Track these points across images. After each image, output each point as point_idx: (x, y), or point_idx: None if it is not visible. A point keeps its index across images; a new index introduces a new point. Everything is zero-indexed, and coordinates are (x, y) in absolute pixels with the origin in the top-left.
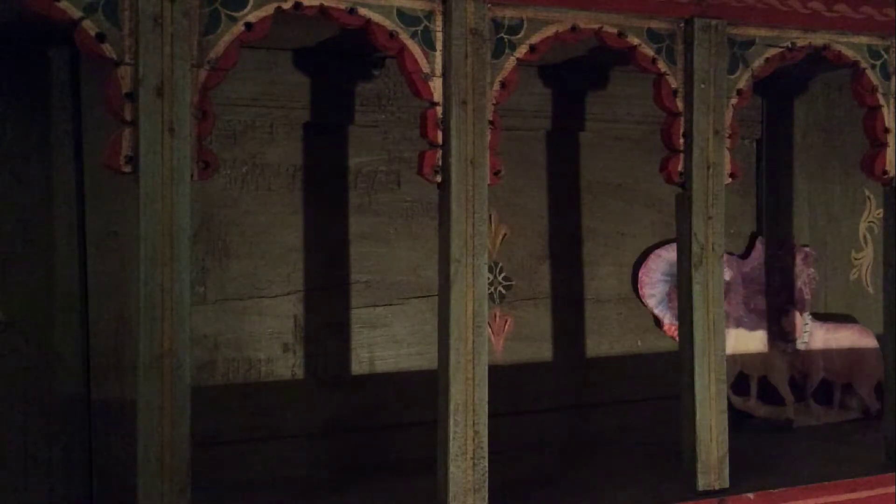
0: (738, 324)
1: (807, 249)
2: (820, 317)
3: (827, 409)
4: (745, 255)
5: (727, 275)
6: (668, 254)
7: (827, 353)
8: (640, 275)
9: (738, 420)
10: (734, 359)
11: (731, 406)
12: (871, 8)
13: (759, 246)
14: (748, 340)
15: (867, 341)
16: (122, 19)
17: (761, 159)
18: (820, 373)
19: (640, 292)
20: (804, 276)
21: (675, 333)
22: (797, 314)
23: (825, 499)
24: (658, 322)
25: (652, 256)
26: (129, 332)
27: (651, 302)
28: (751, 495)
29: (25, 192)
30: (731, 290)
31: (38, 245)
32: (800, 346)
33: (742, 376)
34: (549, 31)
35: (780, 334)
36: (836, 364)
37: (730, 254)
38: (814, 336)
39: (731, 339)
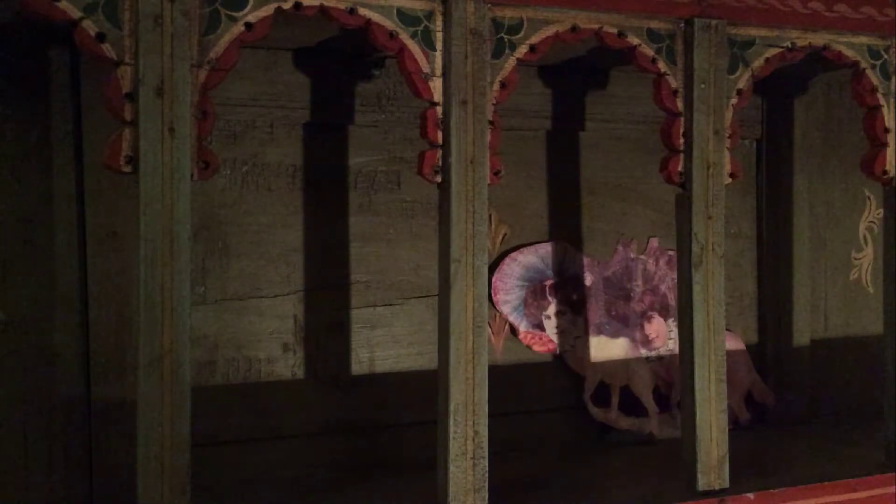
0: (599, 331)
1: (671, 253)
2: None
3: None
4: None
5: (587, 279)
6: (525, 257)
7: None
8: (493, 280)
9: (598, 433)
10: (595, 368)
11: (591, 419)
12: (871, 8)
13: (621, 249)
14: (610, 348)
15: (736, 347)
16: (122, 19)
17: (761, 159)
18: None
19: (494, 298)
20: (668, 279)
21: (532, 343)
22: (661, 320)
23: (825, 499)
24: (514, 330)
25: (507, 260)
26: (129, 332)
27: (505, 309)
28: (751, 495)
29: (25, 192)
30: (592, 295)
31: (38, 245)
32: (664, 353)
33: (603, 386)
34: (549, 31)
35: (644, 341)
36: None
37: (590, 257)
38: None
39: (591, 347)
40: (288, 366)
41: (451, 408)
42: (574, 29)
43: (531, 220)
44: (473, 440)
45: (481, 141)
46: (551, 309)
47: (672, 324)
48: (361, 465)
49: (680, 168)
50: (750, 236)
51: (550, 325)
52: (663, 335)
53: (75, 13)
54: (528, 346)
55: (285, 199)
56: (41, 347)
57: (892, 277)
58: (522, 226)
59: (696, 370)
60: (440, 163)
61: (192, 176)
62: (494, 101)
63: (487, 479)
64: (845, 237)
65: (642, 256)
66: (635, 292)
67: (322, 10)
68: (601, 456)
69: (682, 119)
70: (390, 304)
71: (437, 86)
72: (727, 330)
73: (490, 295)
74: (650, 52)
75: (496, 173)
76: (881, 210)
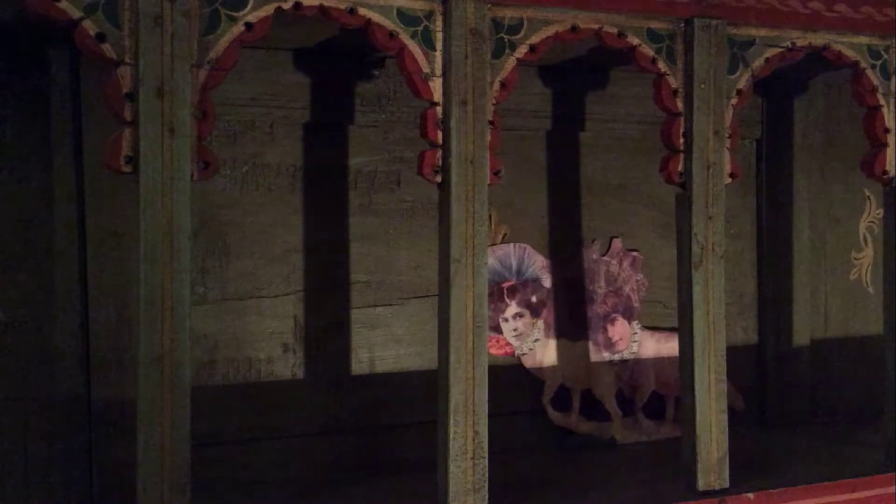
0: (560, 334)
1: (634, 254)
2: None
3: (658, 423)
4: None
5: (547, 282)
6: None
7: (659, 364)
8: None
9: (557, 437)
10: (555, 371)
11: (550, 423)
12: (871, 8)
13: (584, 250)
14: (571, 351)
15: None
16: (122, 19)
17: (761, 159)
18: (651, 385)
19: None
20: (632, 281)
21: (490, 346)
22: (625, 322)
23: (825, 499)
24: None
25: None
26: (129, 332)
27: None
28: (751, 495)
29: (25, 192)
30: (552, 297)
31: (38, 245)
32: (628, 356)
33: (564, 390)
34: (549, 31)
35: (607, 344)
36: (669, 375)
37: (552, 258)
38: (644, 346)
39: (551, 350)
40: (288, 366)
41: (451, 408)
42: (574, 29)
43: (531, 220)
44: (473, 440)
45: (481, 141)
46: (509, 311)
47: (636, 326)
48: (361, 465)
49: (680, 168)
50: (750, 236)
51: (508, 328)
52: (627, 338)
53: (75, 13)
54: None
55: (285, 199)
56: (41, 347)
57: (892, 277)
58: (522, 226)
59: (696, 370)
60: (440, 163)
61: (192, 176)
62: (494, 101)
63: (487, 479)
64: (845, 237)
65: (605, 258)
66: (598, 294)
67: (322, 10)
68: (601, 456)
69: (682, 119)
70: (390, 304)
71: (437, 86)
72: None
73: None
74: (650, 52)
75: (496, 173)
76: (881, 210)
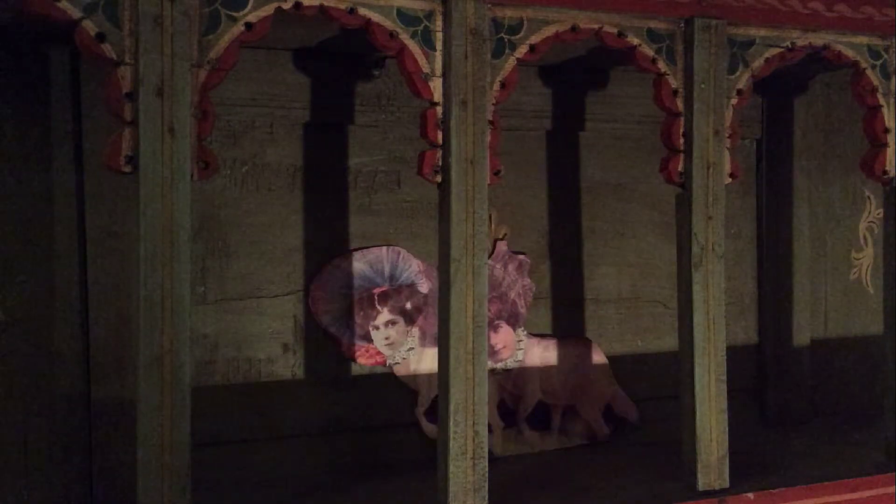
0: (437, 341)
1: (521, 257)
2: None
3: (544, 434)
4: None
5: (424, 286)
6: (348, 264)
7: (545, 373)
8: (312, 289)
9: (432, 451)
10: (430, 381)
11: (425, 436)
12: (871, 8)
13: None
14: None
15: (592, 358)
16: (122, 19)
17: (761, 159)
18: (536, 395)
19: (313, 309)
20: (518, 286)
21: (358, 355)
22: (510, 329)
23: (825, 499)
24: (336, 343)
25: (328, 268)
26: (129, 332)
27: (325, 319)
28: (751, 495)
29: (25, 192)
30: (429, 303)
31: (38, 245)
32: (512, 364)
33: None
34: (549, 31)
35: (489, 352)
36: (556, 384)
37: (428, 262)
38: (529, 353)
39: (426, 359)
40: (288, 366)
41: (451, 408)
42: (574, 29)
43: (531, 220)
44: (473, 440)
45: (481, 141)
46: (380, 319)
47: (522, 333)
48: (361, 465)
49: (680, 168)
50: (750, 236)
51: (379, 337)
52: (511, 346)
53: (75, 13)
54: (353, 359)
55: (285, 199)
56: (41, 347)
57: (892, 277)
58: (522, 226)
59: (696, 370)
60: (440, 163)
61: (192, 176)
62: (494, 101)
63: (487, 479)
64: (845, 237)
65: (489, 262)
66: None
67: (322, 10)
68: (601, 456)
69: (682, 119)
70: None
71: (437, 86)
72: (585, 339)
73: (308, 305)
74: (650, 52)
75: (496, 173)
76: (881, 210)
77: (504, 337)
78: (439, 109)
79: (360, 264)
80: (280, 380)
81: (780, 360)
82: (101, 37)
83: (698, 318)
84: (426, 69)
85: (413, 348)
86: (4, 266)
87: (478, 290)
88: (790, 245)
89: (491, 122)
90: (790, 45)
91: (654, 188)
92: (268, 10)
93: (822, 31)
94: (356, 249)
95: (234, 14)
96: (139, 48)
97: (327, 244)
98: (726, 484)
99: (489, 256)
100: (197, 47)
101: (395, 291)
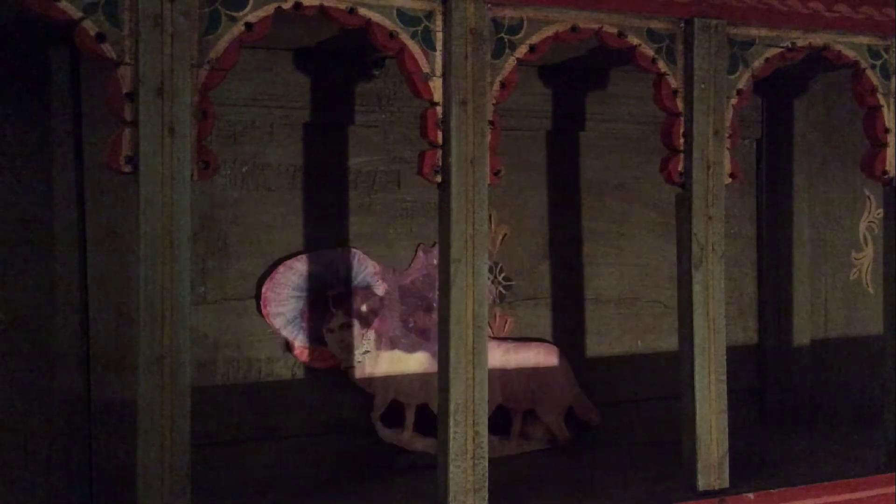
0: (394, 345)
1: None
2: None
3: (503, 439)
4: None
5: (380, 289)
6: (303, 265)
7: (505, 377)
8: (263, 290)
9: (388, 456)
10: (387, 385)
11: (380, 441)
12: (871, 8)
13: (422, 255)
14: (405, 363)
15: (554, 361)
16: (122, 19)
17: (761, 159)
18: (496, 399)
19: (264, 311)
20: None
21: (311, 359)
22: None
23: (825, 499)
24: (288, 346)
25: (280, 268)
26: (129, 332)
27: (277, 322)
28: (751, 495)
29: (25, 192)
30: (386, 306)
31: (38, 245)
32: None
33: (396, 405)
34: (549, 31)
35: None
36: (516, 388)
37: (385, 264)
38: (490, 357)
39: (384, 362)
40: (288, 366)
41: (451, 408)
42: (574, 29)
43: (531, 220)
44: (473, 440)
45: (481, 141)
46: (335, 321)
47: None
48: (361, 465)
49: (680, 168)
50: (750, 236)
51: (333, 340)
52: None
53: (75, 13)
54: (306, 363)
55: (285, 199)
56: (41, 347)
57: (892, 277)
58: (522, 226)
59: (696, 370)
60: (440, 163)
61: (192, 176)
62: (494, 101)
63: (487, 479)
64: (845, 237)
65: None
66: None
67: (322, 10)
68: (601, 456)
69: (682, 119)
70: None
71: (437, 86)
72: (545, 342)
73: (260, 307)
74: (650, 52)
75: (496, 173)
76: (881, 210)
77: None
78: (439, 109)
79: (314, 266)
80: (280, 380)
81: (780, 360)
82: (101, 37)
83: (698, 318)
84: (426, 69)
85: (368, 351)
86: (4, 266)
87: (478, 290)
88: (790, 245)
89: (491, 122)
90: (790, 45)
91: (654, 188)
92: (268, 10)
93: (822, 31)
94: (311, 251)
95: (234, 14)
96: (139, 48)
97: (327, 244)
98: (726, 484)
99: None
100: (197, 47)
101: (351, 293)
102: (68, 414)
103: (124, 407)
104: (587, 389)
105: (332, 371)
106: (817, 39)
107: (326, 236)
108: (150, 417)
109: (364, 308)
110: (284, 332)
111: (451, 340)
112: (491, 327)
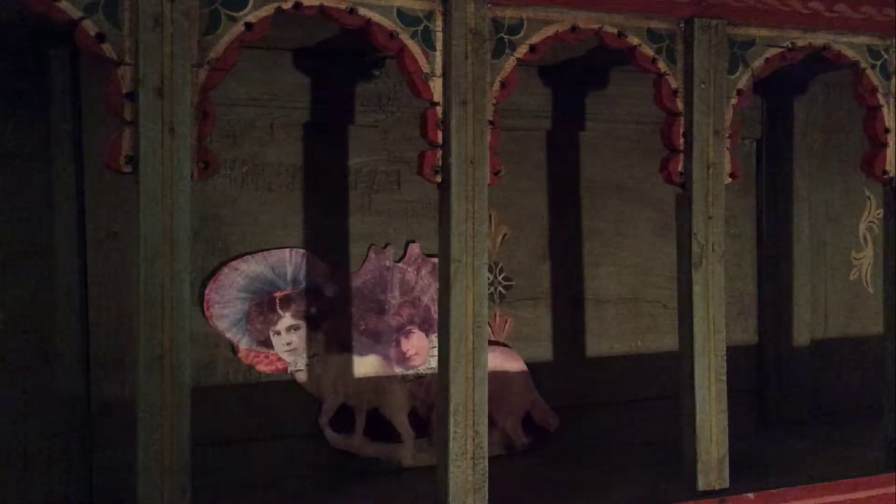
0: (344, 348)
1: (435, 260)
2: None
3: None
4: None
5: (329, 291)
6: (249, 266)
7: None
8: (206, 293)
9: (338, 462)
10: (335, 389)
11: (328, 446)
12: (871, 8)
13: (373, 256)
14: (356, 366)
15: (512, 366)
16: (122, 19)
17: (761, 159)
18: None
19: (207, 313)
20: (432, 290)
21: (256, 362)
22: (422, 335)
23: (825, 499)
24: (233, 349)
25: (225, 269)
26: (129, 331)
27: (222, 324)
28: (751, 495)
29: (25, 192)
30: (336, 308)
31: (38, 245)
32: (425, 371)
33: (346, 409)
34: (549, 31)
35: (400, 359)
36: None
37: (335, 264)
38: None
39: (331, 366)
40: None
41: (451, 408)
42: (574, 29)
43: (531, 220)
44: (473, 440)
45: (481, 141)
46: (282, 324)
47: (435, 339)
48: (361, 464)
49: (680, 168)
50: (750, 236)
51: (280, 342)
52: (424, 352)
53: (75, 13)
54: (251, 366)
55: (285, 199)
56: (41, 347)
57: (892, 277)
58: (522, 226)
59: (696, 370)
60: (440, 163)
61: (192, 176)
62: (494, 101)
63: (487, 479)
64: (845, 237)
65: (400, 264)
66: (391, 305)
67: (322, 10)
68: (601, 456)
69: (682, 119)
70: None
71: (437, 86)
72: (504, 346)
73: (203, 309)
74: (650, 52)
75: (496, 173)
76: (881, 210)
77: (416, 343)
78: (439, 109)
79: (260, 267)
80: (280, 380)
81: (780, 360)
82: (101, 37)
83: (698, 318)
84: (426, 69)
85: (317, 354)
86: (4, 266)
87: (478, 290)
88: (790, 245)
89: (491, 122)
90: (790, 45)
91: (654, 188)
92: (268, 10)
93: (822, 31)
94: (258, 251)
95: (234, 14)
96: (139, 48)
97: (327, 244)
98: (726, 484)
99: (400, 260)
100: (197, 47)
101: (298, 295)
102: (68, 414)
103: (124, 407)
104: (587, 389)
105: (278, 375)
106: (817, 39)
107: (326, 236)
108: (150, 417)
109: (313, 310)
110: (229, 335)
111: (451, 340)
112: (491, 327)
